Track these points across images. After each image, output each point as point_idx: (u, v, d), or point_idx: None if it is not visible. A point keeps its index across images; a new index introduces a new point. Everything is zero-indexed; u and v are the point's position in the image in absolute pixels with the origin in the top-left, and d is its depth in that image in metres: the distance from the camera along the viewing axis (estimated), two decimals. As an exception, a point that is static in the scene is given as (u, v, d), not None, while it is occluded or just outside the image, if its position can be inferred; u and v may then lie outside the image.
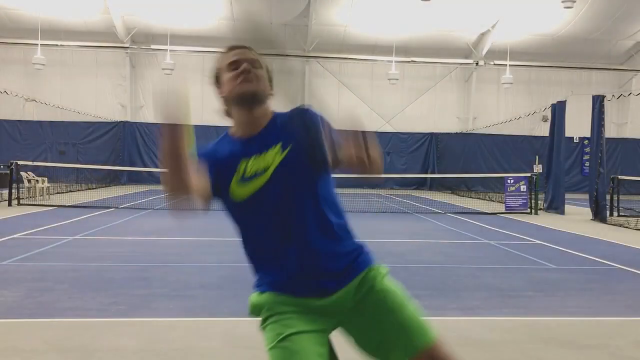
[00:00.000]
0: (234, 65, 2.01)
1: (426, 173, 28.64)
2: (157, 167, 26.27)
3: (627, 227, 13.32)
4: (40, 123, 26.96)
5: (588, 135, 16.46)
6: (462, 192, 25.11)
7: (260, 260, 2.06)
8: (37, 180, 17.89)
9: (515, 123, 25.44)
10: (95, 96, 27.85)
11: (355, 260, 2.04)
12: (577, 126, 24.15)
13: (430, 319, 4.59)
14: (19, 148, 26.06)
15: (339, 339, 2.13)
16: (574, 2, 19.82)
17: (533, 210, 16.42)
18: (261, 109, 2.03)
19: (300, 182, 1.96)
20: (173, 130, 1.72)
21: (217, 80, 2.08)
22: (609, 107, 17.30)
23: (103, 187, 23.12)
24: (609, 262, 8.40)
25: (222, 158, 2.02)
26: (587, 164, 26.39)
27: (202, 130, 27.67)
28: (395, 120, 29.58)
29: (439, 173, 27.99)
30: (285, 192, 1.95)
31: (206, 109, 28.17)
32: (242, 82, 1.98)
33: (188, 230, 11.28)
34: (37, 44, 24.55)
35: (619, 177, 16.62)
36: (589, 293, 6.41)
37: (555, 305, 5.79)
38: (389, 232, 11.63)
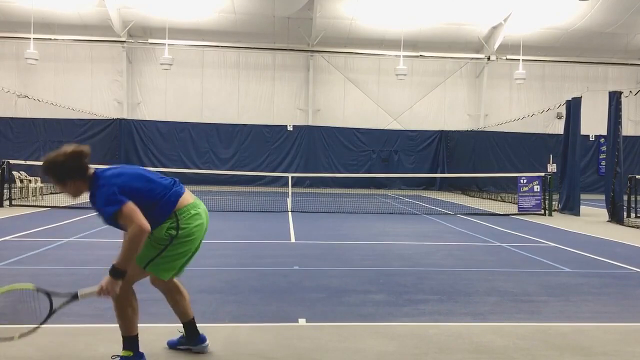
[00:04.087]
0: None
1: (435, 172, 28.52)
2: (154, 165, 25.64)
3: (644, 229, 13.26)
4: (33, 120, 26.63)
5: (604, 133, 16.28)
6: (473, 193, 25.23)
7: None
8: (29, 180, 17.69)
9: (529, 120, 25.39)
10: (90, 92, 27.49)
11: None
12: (593, 124, 24.05)
13: (440, 324, 5.22)
14: (11, 146, 25.76)
15: None
16: (590, -7, 19.21)
17: (547, 212, 16.29)
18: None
19: None
20: None
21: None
22: (626, 104, 17.17)
23: (98, 187, 22.55)
24: (626, 266, 8.31)
25: None
26: (603, 163, 26.52)
27: (202, 128, 27.12)
28: (403, 118, 29.36)
29: (448, 172, 27.83)
30: None
31: (206, 105, 27.96)
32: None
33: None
34: (30, 38, 24.14)
35: (637, 176, 16.43)
36: (605, 298, 6.34)
37: (570, 310, 5.73)
38: (396, 234, 11.68)
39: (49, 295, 3.58)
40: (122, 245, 3.42)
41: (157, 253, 3.63)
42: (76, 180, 3.51)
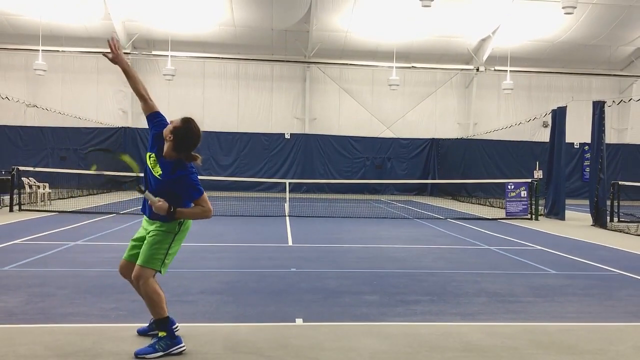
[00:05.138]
0: None
1: (427, 179, 28.64)
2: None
3: (627, 233, 13.39)
4: (41, 129, 27.01)
5: (588, 141, 16.48)
6: (462, 198, 25.19)
7: None
8: (38, 186, 17.93)
9: (516, 129, 25.50)
10: (96, 102, 27.92)
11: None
12: (578, 132, 24.35)
13: (431, 324, 5.26)
14: (20, 153, 26.12)
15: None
16: (574, 8, 19.74)
17: (533, 216, 16.50)
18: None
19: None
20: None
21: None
22: (609, 113, 17.39)
23: (104, 193, 23.08)
24: (609, 268, 8.42)
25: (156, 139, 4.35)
26: (587, 169, 26.46)
27: (203, 136, 27.17)
28: (396, 126, 29.63)
29: (439, 179, 27.96)
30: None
31: (207, 114, 28.47)
32: None
33: (188, 235, 11.33)
34: (39, 50, 24.56)
35: (620, 182, 16.88)
36: (589, 299, 6.40)
37: (556, 310, 5.80)
38: (390, 237, 11.70)
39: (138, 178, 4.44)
40: (192, 208, 4.17)
41: (169, 244, 4.21)
42: (173, 149, 4.13)
